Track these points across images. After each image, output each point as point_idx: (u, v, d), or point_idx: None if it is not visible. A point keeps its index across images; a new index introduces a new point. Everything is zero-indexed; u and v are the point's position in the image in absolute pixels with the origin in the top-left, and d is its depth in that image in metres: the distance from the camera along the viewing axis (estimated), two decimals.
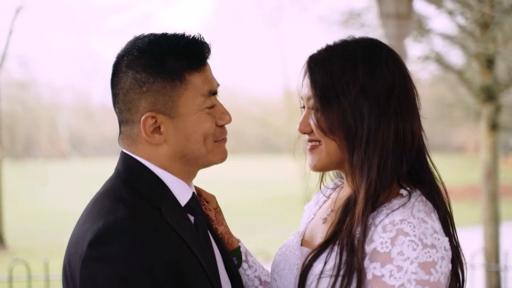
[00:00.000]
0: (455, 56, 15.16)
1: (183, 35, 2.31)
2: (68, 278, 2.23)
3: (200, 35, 2.33)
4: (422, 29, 12.46)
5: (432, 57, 12.82)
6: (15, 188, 27.31)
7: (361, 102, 2.31)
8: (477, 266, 9.74)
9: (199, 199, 2.57)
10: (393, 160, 2.30)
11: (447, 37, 12.79)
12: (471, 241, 14.01)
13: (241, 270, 2.66)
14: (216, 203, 2.64)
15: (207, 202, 2.61)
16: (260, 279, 2.68)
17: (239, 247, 2.66)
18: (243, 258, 2.67)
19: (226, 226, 2.65)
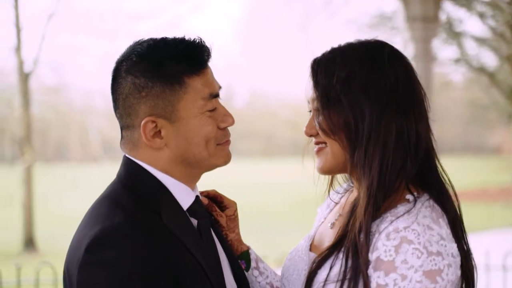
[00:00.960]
0: (488, 58, 15.10)
1: (183, 39, 2.30)
2: (67, 284, 2.23)
3: (200, 38, 2.31)
4: (452, 32, 12.40)
5: (463, 59, 12.75)
6: (46, 191, 27.45)
7: (362, 101, 2.27)
8: (509, 267, 9.66)
9: (212, 204, 2.57)
10: (395, 160, 2.26)
11: (478, 40, 12.72)
12: (504, 242, 13.92)
13: (252, 277, 2.64)
14: (235, 210, 2.61)
15: (227, 208, 2.60)
16: (272, 286, 2.65)
17: (247, 250, 2.63)
18: (254, 265, 2.64)
19: (238, 234, 2.63)
